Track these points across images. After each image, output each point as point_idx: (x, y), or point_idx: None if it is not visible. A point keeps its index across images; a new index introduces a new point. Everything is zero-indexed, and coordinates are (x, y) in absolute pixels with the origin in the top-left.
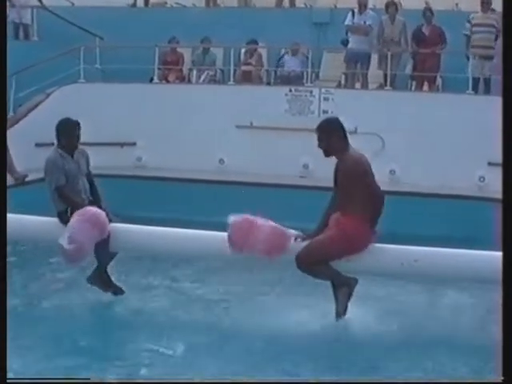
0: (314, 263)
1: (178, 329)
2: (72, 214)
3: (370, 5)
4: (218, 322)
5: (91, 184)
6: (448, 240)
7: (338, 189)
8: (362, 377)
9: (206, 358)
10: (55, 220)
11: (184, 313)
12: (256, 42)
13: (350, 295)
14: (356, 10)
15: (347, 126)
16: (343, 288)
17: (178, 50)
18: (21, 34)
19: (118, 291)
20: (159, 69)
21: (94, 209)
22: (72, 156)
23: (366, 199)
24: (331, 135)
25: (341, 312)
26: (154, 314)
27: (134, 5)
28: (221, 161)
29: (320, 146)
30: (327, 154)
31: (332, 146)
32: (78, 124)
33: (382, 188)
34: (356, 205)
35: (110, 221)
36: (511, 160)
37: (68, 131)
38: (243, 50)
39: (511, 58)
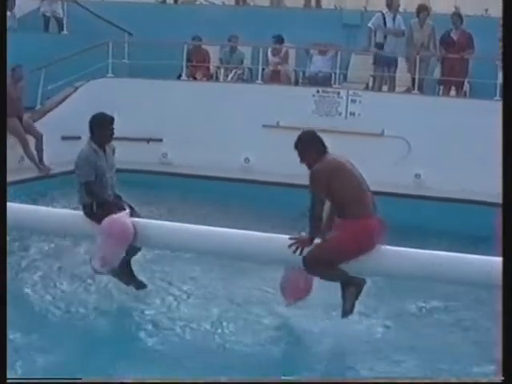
0: (322, 266)
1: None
2: (97, 208)
3: (400, 8)
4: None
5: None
6: (469, 245)
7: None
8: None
9: None
10: (80, 213)
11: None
12: (281, 37)
13: (358, 295)
14: (386, 12)
15: (374, 128)
16: (351, 288)
17: (204, 47)
18: (51, 27)
19: (140, 285)
20: (187, 66)
21: (119, 222)
22: (104, 151)
23: (350, 197)
24: (309, 150)
25: (348, 310)
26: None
27: (164, 1)
28: (246, 160)
29: (302, 161)
30: (309, 167)
31: (311, 159)
32: (113, 119)
33: (407, 192)
34: (344, 205)
35: (136, 216)
36: (511, 160)
37: (102, 126)
38: (270, 49)
39: (511, 58)
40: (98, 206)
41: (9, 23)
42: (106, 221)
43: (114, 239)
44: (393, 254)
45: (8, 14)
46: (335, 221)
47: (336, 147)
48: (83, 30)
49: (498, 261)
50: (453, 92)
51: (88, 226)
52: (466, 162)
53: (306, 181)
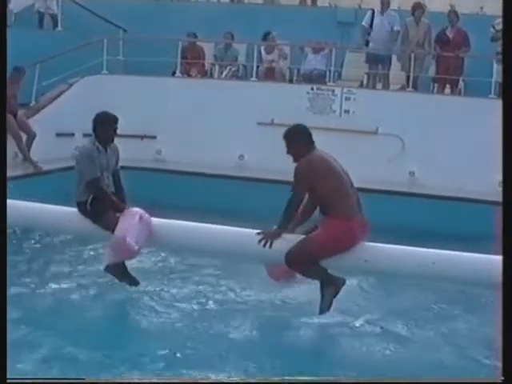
0: (303, 262)
1: None
2: (92, 205)
3: (394, 6)
4: None
5: (117, 180)
6: (464, 243)
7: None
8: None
9: None
10: (74, 210)
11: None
12: (272, 34)
13: (336, 294)
14: (376, 10)
15: (368, 126)
16: (331, 287)
17: (199, 44)
18: (46, 23)
19: (133, 282)
20: (181, 63)
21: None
22: (106, 150)
23: (334, 196)
24: (297, 142)
25: (325, 308)
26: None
27: None
28: (240, 157)
29: (288, 152)
30: (295, 159)
31: (298, 151)
32: (116, 118)
33: (401, 189)
34: (328, 204)
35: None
36: (511, 160)
37: (106, 125)
38: (262, 47)
39: (511, 58)
40: (93, 203)
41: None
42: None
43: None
44: (377, 250)
45: None
46: (321, 218)
47: (330, 145)
48: (78, 26)
49: (485, 258)
50: (447, 90)
51: (82, 223)
52: (460, 160)
53: None
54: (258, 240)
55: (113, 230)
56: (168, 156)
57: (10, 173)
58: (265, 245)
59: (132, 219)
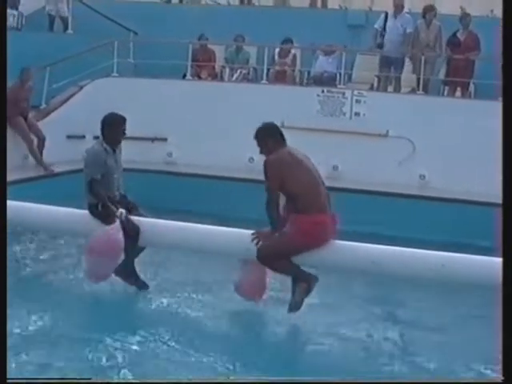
0: (274, 259)
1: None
2: (103, 207)
3: (405, 8)
4: None
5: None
6: (474, 245)
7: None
8: None
9: None
10: (84, 212)
11: None
12: (291, 41)
13: (308, 292)
14: (390, 13)
15: (379, 129)
16: (302, 284)
17: (210, 47)
18: (56, 26)
19: (142, 286)
20: (192, 65)
21: (106, 238)
22: (114, 151)
23: (303, 192)
24: (266, 140)
25: (294, 306)
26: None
27: (169, 1)
28: (250, 159)
29: (261, 152)
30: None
31: (269, 150)
32: (124, 119)
33: (411, 192)
34: (298, 200)
35: (140, 215)
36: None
37: (114, 126)
38: (277, 50)
39: (511, 59)
40: (104, 205)
41: (17, 22)
42: (94, 238)
43: (102, 256)
44: (385, 252)
45: (15, 12)
46: (289, 215)
47: (340, 147)
48: (88, 29)
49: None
50: (458, 93)
51: (93, 224)
52: (470, 163)
53: None
54: (251, 240)
55: (124, 232)
56: (179, 158)
57: (20, 175)
58: (257, 244)
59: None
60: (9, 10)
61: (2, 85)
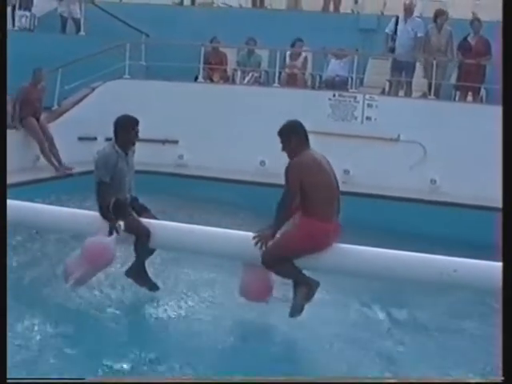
0: (276, 261)
1: None
2: (114, 209)
3: (417, 13)
4: None
5: None
6: (486, 251)
7: (289, 188)
8: None
9: None
10: (94, 213)
11: None
12: (301, 41)
13: (309, 296)
14: (401, 17)
15: (390, 133)
16: (303, 288)
17: (221, 50)
18: (69, 27)
19: (153, 287)
20: (204, 68)
21: (101, 247)
22: (126, 154)
23: (320, 199)
24: (290, 138)
25: (295, 311)
26: None
27: (181, 3)
28: (262, 163)
29: (283, 149)
30: (290, 156)
31: (292, 148)
32: (137, 121)
33: (422, 197)
34: (312, 205)
35: (151, 218)
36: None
37: (127, 128)
38: (288, 53)
39: (511, 59)
40: (115, 207)
41: (29, 23)
42: (88, 242)
43: (90, 263)
44: (398, 257)
45: (28, 14)
46: (298, 216)
47: (352, 152)
48: (100, 31)
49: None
50: (469, 97)
51: (103, 227)
52: (481, 168)
53: None
54: (254, 242)
55: (134, 234)
56: (190, 161)
57: (31, 176)
58: (261, 247)
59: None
60: (21, 12)
61: (1, 85)
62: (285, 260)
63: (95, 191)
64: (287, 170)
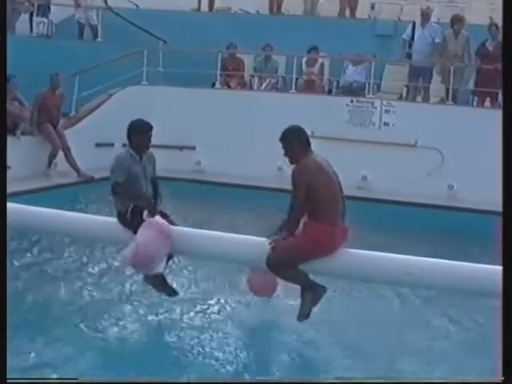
0: (283, 266)
1: None
2: (132, 214)
3: (434, 18)
4: None
5: (155, 187)
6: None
7: (297, 193)
8: None
9: None
10: (112, 219)
11: None
12: (317, 49)
13: (316, 301)
14: (418, 22)
15: (408, 139)
16: (310, 293)
17: (239, 56)
18: (86, 34)
19: (171, 293)
20: (221, 74)
21: (158, 219)
22: (141, 158)
23: (324, 202)
24: (292, 143)
25: (303, 315)
26: None
27: (198, 9)
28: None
29: (285, 154)
30: (291, 161)
31: (294, 153)
32: (151, 126)
33: (439, 203)
34: (317, 209)
35: (170, 223)
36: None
37: (140, 133)
38: (304, 59)
39: (511, 60)
40: (133, 213)
41: (47, 30)
42: (154, 220)
43: (155, 232)
44: (381, 259)
45: (45, 20)
46: (305, 219)
47: (369, 157)
48: (118, 37)
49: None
50: (487, 103)
51: (120, 233)
52: (499, 174)
53: None
54: (271, 248)
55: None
56: (207, 167)
57: (48, 182)
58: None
59: (154, 231)
60: (39, 18)
61: (1, 85)
62: (291, 265)
63: (112, 195)
64: (293, 176)
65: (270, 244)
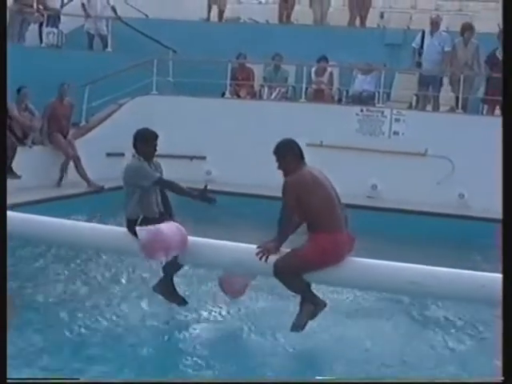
0: (288, 274)
1: None
2: (142, 223)
3: (443, 27)
4: None
5: (164, 196)
6: None
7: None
8: None
9: None
10: (121, 229)
11: None
12: (326, 59)
13: (313, 315)
14: (427, 31)
15: (418, 148)
16: (309, 305)
17: (248, 65)
18: (95, 44)
19: (181, 302)
20: (231, 84)
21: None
22: (150, 166)
23: (321, 212)
24: (285, 156)
25: (298, 326)
26: None
27: (208, 19)
28: None
29: (279, 167)
30: (285, 174)
31: (287, 165)
32: (156, 135)
33: (450, 211)
34: (315, 220)
35: None
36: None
37: (146, 141)
38: (314, 69)
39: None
40: (143, 222)
41: (57, 40)
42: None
43: (176, 227)
44: (426, 272)
45: (55, 31)
46: (308, 233)
47: (379, 167)
48: (127, 47)
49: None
50: (497, 111)
51: (130, 242)
52: None
53: (347, 200)
54: (257, 254)
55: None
56: (218, 177)
57: (58, 192)
58: (265, 259)
59: (171, 227)
60: (49, 28)
61: (1, 86)
62: (296, 275)
63: (128, 205)
64: (283, 188)
65: (259, 253)
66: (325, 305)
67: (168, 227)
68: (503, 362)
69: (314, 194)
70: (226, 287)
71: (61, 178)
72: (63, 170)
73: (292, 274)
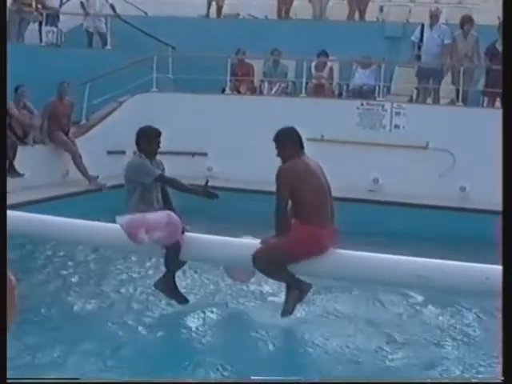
0: (269, 264)
1: None
2: None
3: (442, 19)
4: None
5: (165, 194)
6: None
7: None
8: None
9: None
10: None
11: None
12: (326, 53)
13: (300, 298)
14: (427, 24)
15: (419, 141)
16: (295, 291)
17: (248, 61)
18: (95, 42)
19: (182, 300)
20: (231, 80)
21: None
22: (152, 163)
23: (311, 204)
24: (285, 144)
25: (287, 311)
26: None
27: (207, 16)
28: None
29: (278, 154)
30: (284, 161)
31: (286, 153)
32: (159, 132)
33: (451, 204)
34: (304, 210)
35: (183, 230)
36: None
37: (149, 139)
38: (314, 63)
39: (511, 61)
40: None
41: (56, 38)
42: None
43: (166, 215)
44: (431, 265)
45: (55, 29)
46: (292, 221)
47: (381, 160)
48: (126, 44)
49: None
50: (498, 103)
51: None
52: None
53: (348, 194)
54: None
55: (164, 246)
56: (219, 173)
57: (61, 191)
58: None
59: (159, 212)
60: (48, 27)
61: (1, 86)
62: (278, 264)
63: (129, 201)
64: (277, 176)
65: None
66: (310, 287)
67: (154, 213)
68: (503, 362)
69: (305, 181)
70: (232, 274)
71: (87, 175)
72: (80, 166)
73: (269, 264)
